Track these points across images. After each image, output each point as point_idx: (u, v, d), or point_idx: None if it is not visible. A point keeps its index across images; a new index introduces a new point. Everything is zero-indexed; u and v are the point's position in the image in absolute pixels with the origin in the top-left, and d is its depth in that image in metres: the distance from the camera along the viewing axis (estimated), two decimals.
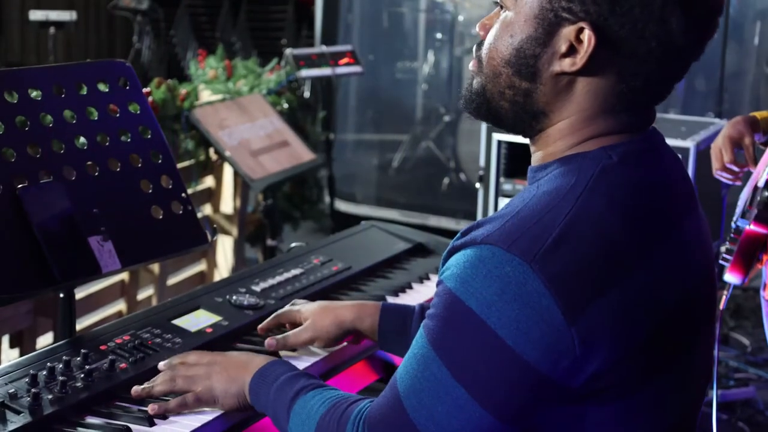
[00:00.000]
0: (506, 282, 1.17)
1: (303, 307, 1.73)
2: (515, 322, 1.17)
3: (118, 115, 1.89)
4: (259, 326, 1.75)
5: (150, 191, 1.87)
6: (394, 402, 1.24)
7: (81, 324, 3.45)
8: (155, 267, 3.77)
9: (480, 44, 1.33)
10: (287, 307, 1.76)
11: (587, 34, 1.22)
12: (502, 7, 1.30)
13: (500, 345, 1.17)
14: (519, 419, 1.20)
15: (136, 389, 1.51)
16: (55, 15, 7.62)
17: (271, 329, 1.75)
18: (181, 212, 1.89)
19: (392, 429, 1.24)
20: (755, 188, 2.06)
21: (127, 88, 1.92)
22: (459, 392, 1.19)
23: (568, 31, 1.23)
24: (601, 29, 1.22)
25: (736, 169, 2.36)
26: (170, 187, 1.90)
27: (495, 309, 1.17)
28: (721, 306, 2.04)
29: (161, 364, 1.56)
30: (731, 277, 1.95)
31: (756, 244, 1.88)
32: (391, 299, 1.99)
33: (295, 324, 1.73)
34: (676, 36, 1.23)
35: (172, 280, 4.00)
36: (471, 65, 1.35)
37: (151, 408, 1.47)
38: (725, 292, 2.04)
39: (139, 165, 1.88)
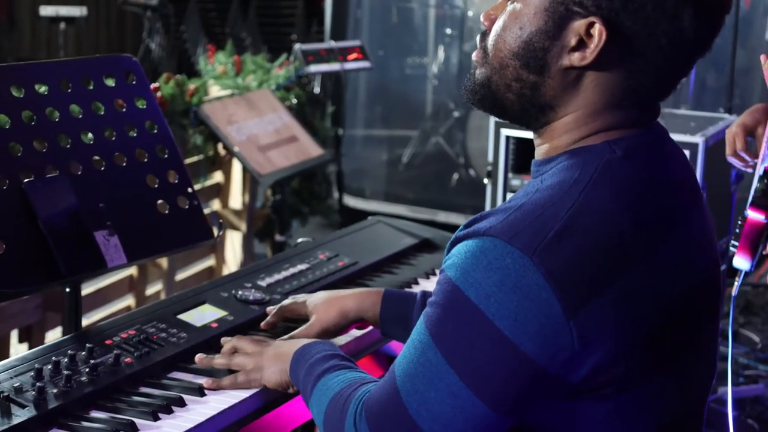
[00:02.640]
0: (506, 274, 1.17)
1: (308, 300, 1.74)
2: (513, 313, 1.17)
3: (124, 110, 1.89)
4: (263, 323, 1.76)
5: (156, 186, 1.87)
6: (391, 386, 1.25)
7: (89, 319, 3.46)
8: (163, 262, 3.78)
9: (484, 35, 1.32)
10: (289, 301, 1.76)
11: (598, 29, 1.21)
12: None
13: (498, 335, 1.17)
14: (514, 411, 1.20)
15: (200, 356, 1.60)
16: (65, 11, 7.65)
17: (276, 325, 1.76)
18: (187, 207, 1.90)
19: (387, 413, 1.24)
20: (760, 177, 2.06)
21: (134, 83, 1.92)
22: (452, 379, 1.19)
23: (578, 25, 1.23)
24: (613, 24, 1.21)
25: (747, 157, 2.35)
26: (176, 182, 1.91)
27: (494, 300, 1.17)
28: (734, 292, 2.04)
29: (227, 344, 1.63)
30: (739, 260, 1.96)
31: (758, 229, 1.89)
32: None
33: (300, 316, 1.74)
34: (687, 34, 1.22)
35: (180, 276, 4.00)
36: (474, 55, 1.34)
37: (206, 382, 1.55)
38: (737, 279, 2.03)
39: (146, 160, 1.88)
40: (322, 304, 1.71)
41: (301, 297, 1.77)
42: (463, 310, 1.19)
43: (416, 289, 2.03)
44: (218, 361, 1.59)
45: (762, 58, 2.15)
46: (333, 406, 1.35)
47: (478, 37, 1.34)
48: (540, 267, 1.16)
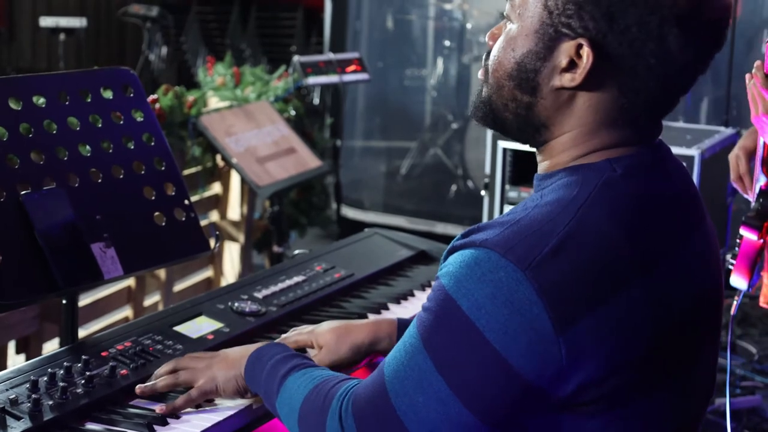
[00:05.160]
0: (498, 287, 1.18)
1: (316, 329, 1.65)
2: (504, 326, 1.18)
3: (122, 122, 1.90)
4: None
5: (153, 198, 1.88)
6: (379, 385, 1.26)
7: (87, 330, 3.47)
8: (161, 273, 3.79)
9: (488, 54, 1.35)
10: (294, 333, 1.68)
11: (586, 51, 1.23)
12: (508, 19, 1.32)
13: (487, 347, 1.18)
14: (500, 423, 1.21)
15: (140, 387, 1.54)
16: (65, 22, 7.68)
17: None
18: (184, 219, 1.90)
19: (375, 411, 1.25)
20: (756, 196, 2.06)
21: (132, 95, 1.93)
22: (441, 386, 1.20)
23: (567, 47, 1.24)
24: (600, 46, 1.23)
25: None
26: (173, 194, 1.91)
27: (485, 312, 1.18)
28: (732, 311, 2.04)
29: (163, 367, 1.58)
30: (737, 280, 1.95)
31: (753, 248, 1.89)
32: (393, 306, 1.99)
33: (305, 347, 1.66)
34: (674, 54, 1.23)
35: (178, 287, 4.01)
36: (480, 73, 1.37)
37: (159, 408, 1.49)
38: (736, 298, 2.03)
39: (143, 172, 1.89)
40: (332, 338, 1.63)
41: (305, 328, 1.69)
42: (454, 320, 1.21)
43: (412, 301, 2.04)
44: (162, 384, 1.53)
45: (747, 76, 2.15)
46: (309, 404, 1.34)
47: (484, 56, 1.38)
48: (533, 282, 1.17)
